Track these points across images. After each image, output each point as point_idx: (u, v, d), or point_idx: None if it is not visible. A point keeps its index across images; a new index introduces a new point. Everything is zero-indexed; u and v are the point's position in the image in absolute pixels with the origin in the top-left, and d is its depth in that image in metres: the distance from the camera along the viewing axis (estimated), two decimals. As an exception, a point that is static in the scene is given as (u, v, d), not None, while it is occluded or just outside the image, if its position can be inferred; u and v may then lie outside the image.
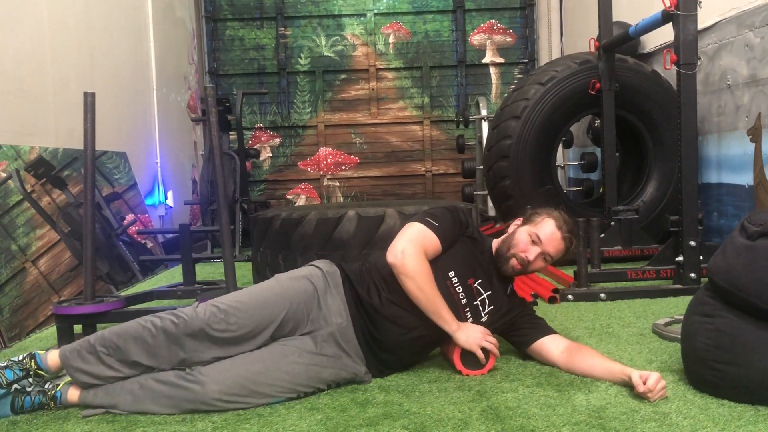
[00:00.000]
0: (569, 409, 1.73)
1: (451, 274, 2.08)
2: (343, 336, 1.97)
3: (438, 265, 2.06)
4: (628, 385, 1.87)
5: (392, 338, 2.01)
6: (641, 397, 1.80)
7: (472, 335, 2.02)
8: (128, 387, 1.81)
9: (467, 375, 2.04)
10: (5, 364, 1.84)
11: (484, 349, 2.04)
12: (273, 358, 1.87)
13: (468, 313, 2.10)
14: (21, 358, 1.87)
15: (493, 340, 2.07)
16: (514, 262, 2.12)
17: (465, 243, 2.15)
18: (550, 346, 2.11)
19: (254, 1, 7.62)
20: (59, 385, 1.86)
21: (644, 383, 1.77)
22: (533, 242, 2.12)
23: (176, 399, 1.79)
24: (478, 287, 2.11)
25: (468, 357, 2.04)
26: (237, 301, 1.91)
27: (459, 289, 2.08)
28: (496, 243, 2.22)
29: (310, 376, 1.90)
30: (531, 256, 2.12)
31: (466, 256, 2.12)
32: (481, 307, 2.11)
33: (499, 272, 2.17)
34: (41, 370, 1.85)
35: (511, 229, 2.22)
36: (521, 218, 2.24)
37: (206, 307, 1.87)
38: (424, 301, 1.96)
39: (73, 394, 1.85)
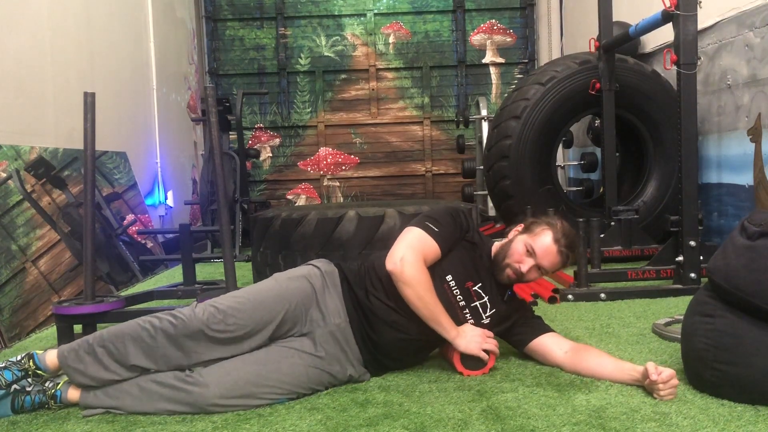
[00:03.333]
0: (569, 409, 1.74)
1: (449, 278, 2.06)
2: (341, 335, 1.97)
3: (435, 269, 2.04)
4: (637, 384, 1.87)
5: (389, 341, 2.01)
6: (646, 393, 1.80)
7: (472, 340, 2.01)
8: (127, 389, 1.81)
9: (468, 375, 2.04)
10: (3, 365, 1.83)
11: (485, 350, 2.03)
12: (273, 359, 1.86)
13: (467, 315, 2.08)
14: (19, 358, 1.86)
15: (494, 341, 2.07)
16: (509, 271, 2.09)
17: (464, 247, 2.12)
18: (553, 346, 2.10)
19: (254, 1, 7.62)
20: (59, 383, 1.86)
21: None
22: (528, 254, 2.07)
23: (176, 401, 1.79)
24: (478, 290, 2.09)
25: (468, 358, 2.04)
26: (235, 301, 1.90)
27: (456, 292, 2.06)
28: (495, 248, 2.18)
29: (310, 377, 1.90)
30: (525, 268, 2.06)
31: (464, 260, 2.10)
32: (481, 310, 2.09)
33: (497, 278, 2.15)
34: (40, 370, 1.85)
35: (510, 235, 2.18)
36: (522, 224, 2.18)
37: (204, 307, 1.86)
38: (422, 309, 1.95)
39: (74, 394, 1.85)
